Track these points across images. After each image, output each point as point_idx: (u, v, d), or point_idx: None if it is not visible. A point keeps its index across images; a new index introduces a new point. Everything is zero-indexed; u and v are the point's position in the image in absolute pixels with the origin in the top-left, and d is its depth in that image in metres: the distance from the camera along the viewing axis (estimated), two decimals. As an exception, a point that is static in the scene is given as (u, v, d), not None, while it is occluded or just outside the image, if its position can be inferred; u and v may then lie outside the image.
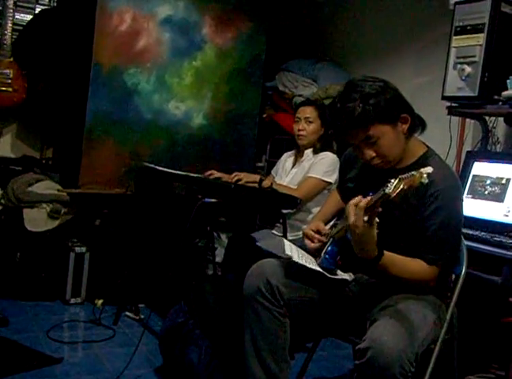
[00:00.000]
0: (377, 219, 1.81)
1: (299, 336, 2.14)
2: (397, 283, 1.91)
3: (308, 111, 3.25)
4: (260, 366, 1.99)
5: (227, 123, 4.13)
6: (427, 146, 2.02)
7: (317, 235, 2.08)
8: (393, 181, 1.63)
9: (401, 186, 1.61)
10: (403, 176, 1.63)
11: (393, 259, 1.86)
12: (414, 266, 1.88)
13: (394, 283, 1.91)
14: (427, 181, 1.63)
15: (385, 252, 1.84)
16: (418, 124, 1.96)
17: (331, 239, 2.05)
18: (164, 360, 2.65)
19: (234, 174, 3.17)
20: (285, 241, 2.09)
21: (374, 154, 1.91)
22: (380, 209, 1.72)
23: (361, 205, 1.74)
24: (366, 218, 1.74)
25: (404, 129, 1.91)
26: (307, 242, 2.10)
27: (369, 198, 1.74)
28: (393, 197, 1.62)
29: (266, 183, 3.06)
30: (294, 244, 2.12)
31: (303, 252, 2.07)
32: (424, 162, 1.92)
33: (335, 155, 3.17)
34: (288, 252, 1.97)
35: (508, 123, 2.93)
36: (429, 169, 1.63)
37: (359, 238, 1.77)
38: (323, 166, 3.13)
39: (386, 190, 1.62)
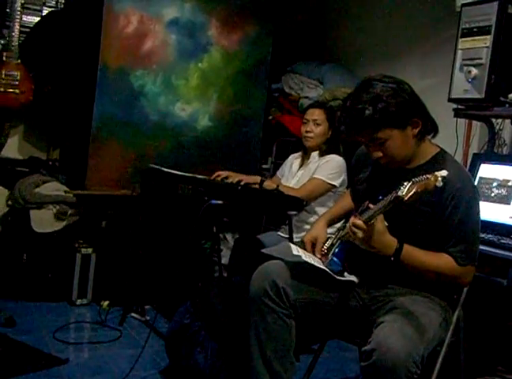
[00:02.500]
0: (385, 223, 1.82)
1: (304, 338, 2.14)
2: (424, 280, 1.91)
3: (316, 113, 3.25)
4: (265, 368, 1.99)
5: (232, 125, 4.13)
6: (440, 147, 2.01)
7: (310, 248, 2.12)
8: (406, 183, 1.63)
9: (414, 189, 1.61)
10: (417, 179, 1.63)
11: (415, 251, 1.86)
12: (440, 260, 1.88)
13: (421, 280, 1.91)
14: (441, 184, 1.63)
15: (406, 244, 1.84)
16: (430, 127, 1.95)
17: (338, 241, 2.05)
18: (170, 361, 2.66)
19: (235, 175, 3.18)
20: (291, 244, 2.09)
21: (381, 154, 1.91)
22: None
23: (358, 223, 1.77)
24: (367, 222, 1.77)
25: (415, 133, 1.90)
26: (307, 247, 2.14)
27: (358, 218, 1.79)
28: (406, 200, 1.62)
29: (267, 185, 3.06)
30: (299, 246, 2.12)
31: (309, 254, 2.07)
32: (436, 162, 1.92)
33: (341, 158, 3.17)
34: (295, 252, 1.98)
35: (515, 125, 2.93)
36: (444, 172, 1.63)
37: (372, 244, 1.79)
38: (328, 168, 3.13)
39: (399, 193, 1.62)
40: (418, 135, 1.91)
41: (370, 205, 1.81)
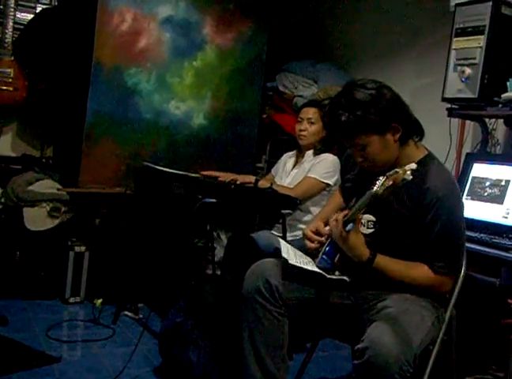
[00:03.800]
0: (373, 218, 1.93)
1: (297, 337, 2.15)
2: (403, 286, 1.92)
3: (311, 112, 3.25)
4: (258, 366, 1.99)
5: (227, 123, 4.13)
6: (428, 150, 2.01)
7: (316, 236, 2.08)
8: (381, 178, 1.71)
9: (387, 183, 1.68)
10: (389, 173, 1.70)
11: (389, 262, 1.90)
12: (415, 271, 1.91)
13: (400, 285, 1.92)
14: (410, 177, 1.69)
15: (380, 255, 1.87)
16: (413, 132, 1.95)
17: (329, 239, 2.05)
18: (163, 360, 2.65)
19: (228, 174, 3.17)
20: (282, 243, 2.09)
21: (361, 159, 1.93)
22: (361, 217, 1.86)
23: (339, 218, 1.86)
24: (349, 226, 1.84)
25: (396, 138, 1.90)
26: (307, 242, 2.10)
27: (346, 211, 1.87)
28: (380, 195, 1.69)
29: (262, 184, 3.06)
30: (292, 245, 2.12)
31: (300, 253, 2.07)
32: (421, 166, 1.92)
33: (335, 157, 3.17)
34: (284, 254, 1.98)
35: (508, 125, 2.94)
36: (413, 165, 1.70)
37: (346, 247, 1.88)
38: (323, 167, 3.13)
39: (374, 188, 1.70)
40: (400, 140, 1.91)
41: None
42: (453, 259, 1.91)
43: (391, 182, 1.68)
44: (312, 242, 2.08)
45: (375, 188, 1.69)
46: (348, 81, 1.97)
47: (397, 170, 1.69)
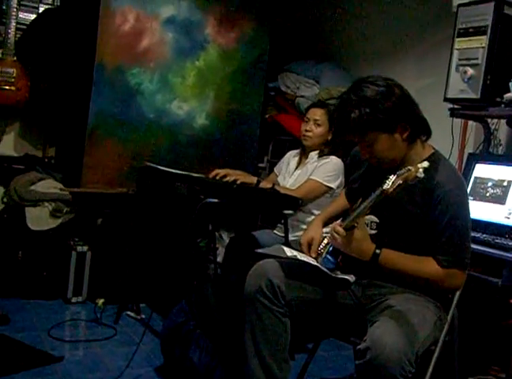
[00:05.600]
0: (376, 219, 1.94)
1: (299, 337, 2.15)
2: (408, 282, 1.92)
3: (318, 114, 3.23)
4: (260, 366, 1.98)
5: (229, 123, 4.13)
6: (434, 148, 2.01)
7: (306, 250, 2.10)
8: (391, 177, 1.69)
9: (398, 182, 1.67)
10: (400, 172, 1.69)
11: (396, 255, 1.89)
12: (423, 264, 1.90)
13: (405, 282, 1.92)
14: (422, 175, 1.68)
15: (386, 249, 1.87)
16: (421, 131, 1.95)
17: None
18: (165, 360, 2.66)
19: (236, 172, 3.15)
20: (284, 247, 2.09)
21: (368, 155, 1.93)
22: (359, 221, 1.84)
23: (339, 230, 1.86)
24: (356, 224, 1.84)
25: (404, 137, 1.90)
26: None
27: (340, 224, 1.89)
28: (390, 193, 1.68)
29: (264, 184, 3.05)
30: (292, 247, 2.13)
31: (302, 254, 2.07)
32: (430, 164, 1.93)
33: (339, 160, 3.15)
34: (289, 254, 1.99)
35: (510, 125, 2.93)
36: (425, 163, 1.70)
37: (350, 247, 1.88)
38: (325, 170, 3.12)
39: (384, 187, 1.69)
40: (408, 139, 1.91)
41: None
42: (460, 253, 1.90)
43: (401, 181, 1.67)
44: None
45: (385, 186, 1.68)
46: (354, 80, 1.96)
47: (409, 168, 1.68)
